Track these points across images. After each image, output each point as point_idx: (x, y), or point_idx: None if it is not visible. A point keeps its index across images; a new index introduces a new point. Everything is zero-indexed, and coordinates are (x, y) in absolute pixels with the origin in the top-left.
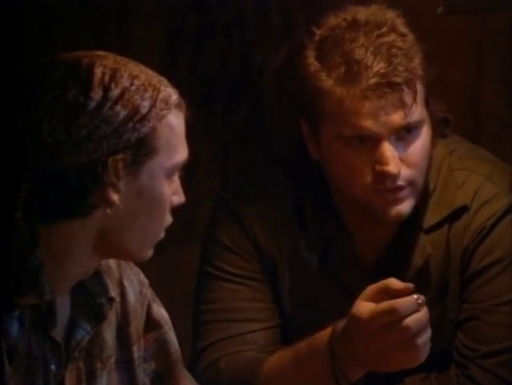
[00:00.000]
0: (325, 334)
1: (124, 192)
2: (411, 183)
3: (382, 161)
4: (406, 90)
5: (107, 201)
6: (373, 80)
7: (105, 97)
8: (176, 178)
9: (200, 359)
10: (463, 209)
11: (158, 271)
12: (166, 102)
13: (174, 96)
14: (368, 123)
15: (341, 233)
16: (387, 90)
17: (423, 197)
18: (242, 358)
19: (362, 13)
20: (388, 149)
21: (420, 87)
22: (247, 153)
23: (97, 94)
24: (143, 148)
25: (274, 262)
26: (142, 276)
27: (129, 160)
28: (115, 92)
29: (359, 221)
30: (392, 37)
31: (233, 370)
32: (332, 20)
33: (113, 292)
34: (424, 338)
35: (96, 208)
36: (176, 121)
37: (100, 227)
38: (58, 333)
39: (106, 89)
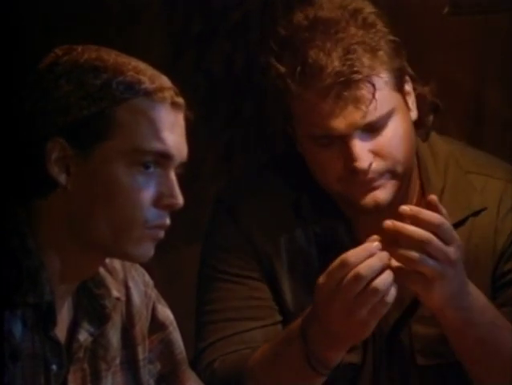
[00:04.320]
0: (299, 319)
1: (76, 174)
2: (387, 171)
3: (350, 158)
4: (365, 87)
5: (56, 182)
6: (328, 81)
7: (50, 70)
8: (171, 178)
9: (199, 361)
10: (481, 211)
11: (162, 272)
12: (130, 86)
13: (151, 86)
14: (330, 123)
15: (343, 230)
16: (343, 88)
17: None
18: (235, 357)
19: (326, 7)
20: (355, 145)
21: (387, 76)
22: (251, 154)
23: (42, 67)
24: (92, 128)
25: (271, 260)
26: (147, 277)
27: (77, 139)
28: (62, 67)
29: (358, 216)
30: (352, 31)
31: (225, 369)
32: (296, 17)
33: (118, 292)
34: (383, 280)
35: (51, 189)
36: (147, 109)
37: (67, 212)
38: (60, 334)
39: (54, 64)
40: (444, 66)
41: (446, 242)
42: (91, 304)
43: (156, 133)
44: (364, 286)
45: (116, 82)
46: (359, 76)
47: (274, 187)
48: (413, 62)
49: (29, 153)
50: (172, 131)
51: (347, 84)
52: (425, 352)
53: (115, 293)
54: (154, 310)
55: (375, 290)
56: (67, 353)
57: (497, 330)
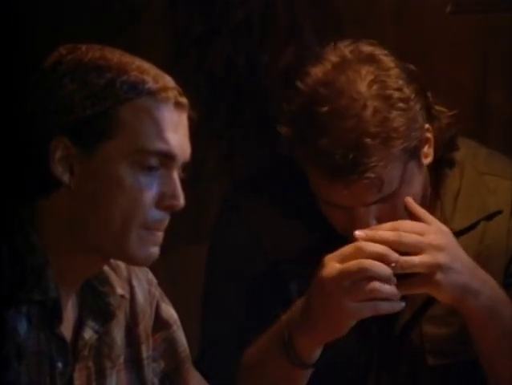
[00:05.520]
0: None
1: (79, 173)
2: None
3: (354, 225)
4: (372, 182)
5: (60, 181)
6: (336, 171)
7: (54, 69)
8: (173, 178)
9: (202, 358)
10: (496, 214)
11: (166, 271)
12: (134, 86)
13: (155, 86)
14: (336, 200)
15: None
16: (351, 180)
17: (446, 198)
18: (237, 356)
19: (341, 78)
20: (360, 216)
21: (402, 156)
22: (251, 153)
23: (46, 66)
24: (95, 128)
25: (278, 260)
26: (151, 275)
27: (80, 138)
28: (66, 66)
29: None
30: (367, 117)
31: (227, 367)
32: (307, 82)
33: (122, 290)
34: (387, 289)
35: (54, 188)
36: (151, 109)
37: (69, 212)
38: (65, 332)
39: (58, 63)
40: (446, 66)
41: (419, 234)
42: (96, 302)
43: (159, 133)
44: (366, 281)
45: (120, 81)
46: (367, 175)
47: (282, 187)
48: (416, 63)
49: (32, 152)
50: (175, 132)
51: (353, 180)
52: (436, 352)
53: (119, 290)
54: (158, 308)
55: (374, 290)
56: (72, 351)
57: None
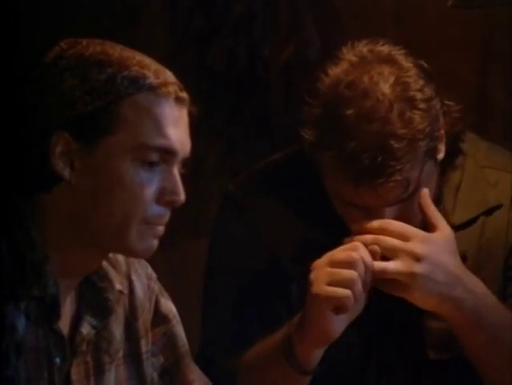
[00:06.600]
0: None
1: (80, 168)
2: None
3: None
4: (399, 183)
5: (60, 176)
6: (363, 177)
7: (55, 64)
8: (174, 174)
9: (202, 354)
10: (496, 208)
11: (166, 266)
12: (134, 81)
13: (155, 81)
14: (358, 201)
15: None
16: (376, 183)
17: (447, 191)
18: (236, 354)
19: (364, 79)
20: (381, 217)
21: (423, 156)
22: (252, 150)
23: (47, 61)
24: (96, 123)
25: (278, 257)
26: (150, 270)
27: (81, 134)
28: (67, 61)
29: None
30: (392, 120)
31: (227, 365)
32: (329, 84)
33: (121, 285)
34: (358, 289)
35: (55, 183)
36: (152, 104)
37: (70, 207)
38: (63, 327)
39: (59, 57)
40: (445, 60)
41: (403, 240)
42: (95, 297)
43: (160, 129)
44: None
45: (121, 77)
46: (394, 178)
47: (282, 184)
48: (417, 58)
49: (33, 148)
50: (176, 127)
51: (379, 184)
52: (437, 346)
53: (117, 286)
54: (157, 303)
55: (350, 280)
56: (70, 346)
57: (509, 332)
